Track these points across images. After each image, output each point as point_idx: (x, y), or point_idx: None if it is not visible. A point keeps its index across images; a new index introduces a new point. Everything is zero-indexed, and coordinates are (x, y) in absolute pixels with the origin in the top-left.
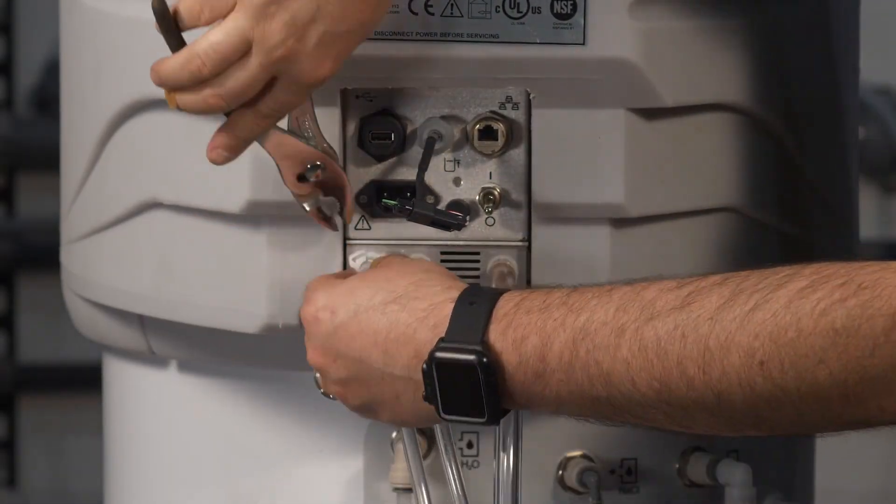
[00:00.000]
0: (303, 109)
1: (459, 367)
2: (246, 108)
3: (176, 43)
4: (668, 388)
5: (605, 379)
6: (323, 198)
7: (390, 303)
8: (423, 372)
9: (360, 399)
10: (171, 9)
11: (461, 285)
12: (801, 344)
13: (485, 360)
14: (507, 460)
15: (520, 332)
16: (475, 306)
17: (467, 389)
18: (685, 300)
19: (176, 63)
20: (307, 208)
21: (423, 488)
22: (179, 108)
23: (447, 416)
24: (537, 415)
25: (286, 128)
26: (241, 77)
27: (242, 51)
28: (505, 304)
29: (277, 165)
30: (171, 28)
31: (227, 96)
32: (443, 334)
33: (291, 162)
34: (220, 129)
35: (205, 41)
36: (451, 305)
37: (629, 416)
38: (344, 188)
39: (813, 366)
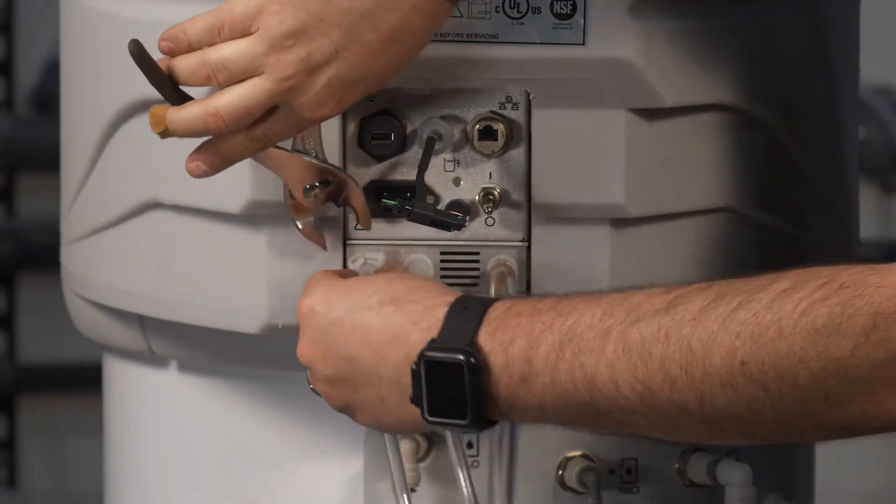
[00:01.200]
0: (311, 131)
1: (447, 367)
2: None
3: (171, 90)
4: (652, 390)
5: (590, 382)
6: (317, 218)
7: (386, 304)
8: (412, 372)
9: (343, 399)
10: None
11: (458, 293)
12: (781, 343)
13: (472, 360)
14: (502, 460)
15: (508, 335)
16: (468, 311)
17: (453, 391)
18: (671, 303)
19: (186, 65)
20: (300, 226)
21: (405, 495)
22: (164, 135)
23: (432, 419)
24: None
25: (290, 147)
26: (247, 99)
27: (249, 74)
28: (496, 308)
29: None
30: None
31: (227, 117)
32: (435, 336)
33: (292, 180)
34: (205, 144)
35: (216, 54)
36: (446, 309)
37: (612, 421)
38: (356, 197)
39: (793, 366)
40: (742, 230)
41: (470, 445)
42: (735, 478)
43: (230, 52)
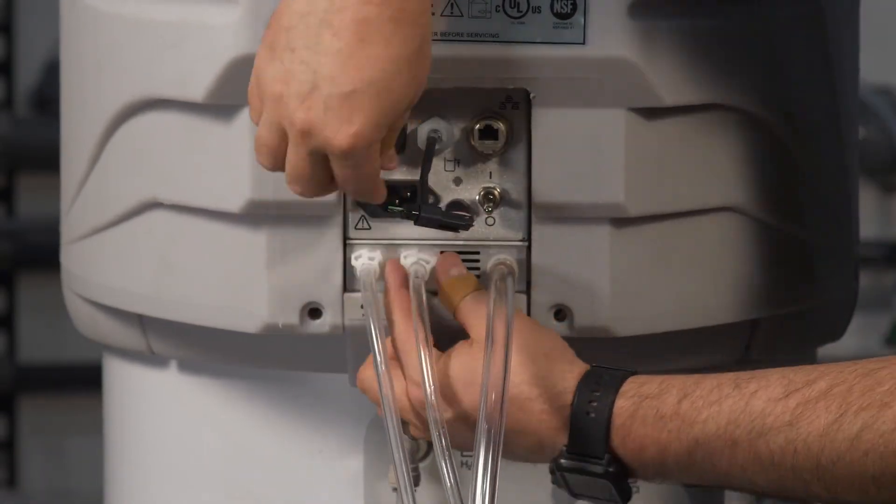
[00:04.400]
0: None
1: (588, 474)
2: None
3: None
4: (786, 487)
5: (724, 478)
6: None
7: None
8: (552, 470)
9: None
10: None
11: (568, 389)
12: None
13: (611, 469)
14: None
15: (637, 443)
16: (593, 417)
17: (596, 486)
18: (793, 415)
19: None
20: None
21: (410, 494)
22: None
23: (578, 493)
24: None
25: None
26: (291, 161)
27: (283, 138)
28: (620, 416)
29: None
30: None
31: (292, 183)
32: (566, 442)
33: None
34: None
35: (255, 138)
36: (569, 412)
37: (750, 493)
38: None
39: None
40: (742, 230)
41: None
42: None
43: (259, 130)
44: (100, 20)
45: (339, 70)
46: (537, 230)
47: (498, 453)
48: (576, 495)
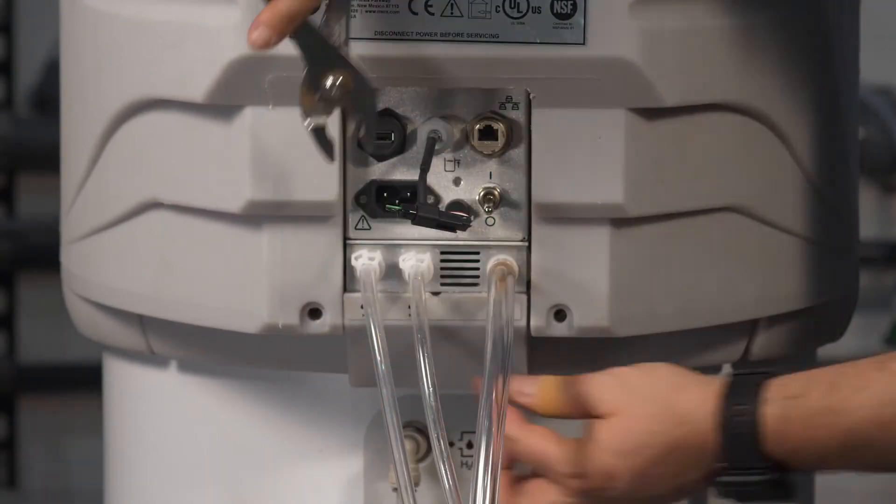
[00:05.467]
0: (339, 14)
1: (751, 486)
2: None
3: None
4: None
5: (881, 460)
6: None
7: (665, 456)
8: (714, 484)
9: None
10: None
11: (709, 401)
12: None
13: (772, 476)
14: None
15: (792, 445)
16: (742, 432)
17: (762, 493)
18: None
19: None
20: (308, 125)
21: (410, 494)
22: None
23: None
24: (535, 414)
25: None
26: None
27: None
28: (771, 422)
29: (304, 70)
30: None
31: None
32: (722, 463)
33: (317, 67)
34: (265, 8)
35: None
36: (715, 432)
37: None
38: (370, 105)
39: None
40: (742, 229)
41: (470, 446)
42: None
43: None
44: (100, 20)
45: None
46: (537, 230)
47: (499, 461)
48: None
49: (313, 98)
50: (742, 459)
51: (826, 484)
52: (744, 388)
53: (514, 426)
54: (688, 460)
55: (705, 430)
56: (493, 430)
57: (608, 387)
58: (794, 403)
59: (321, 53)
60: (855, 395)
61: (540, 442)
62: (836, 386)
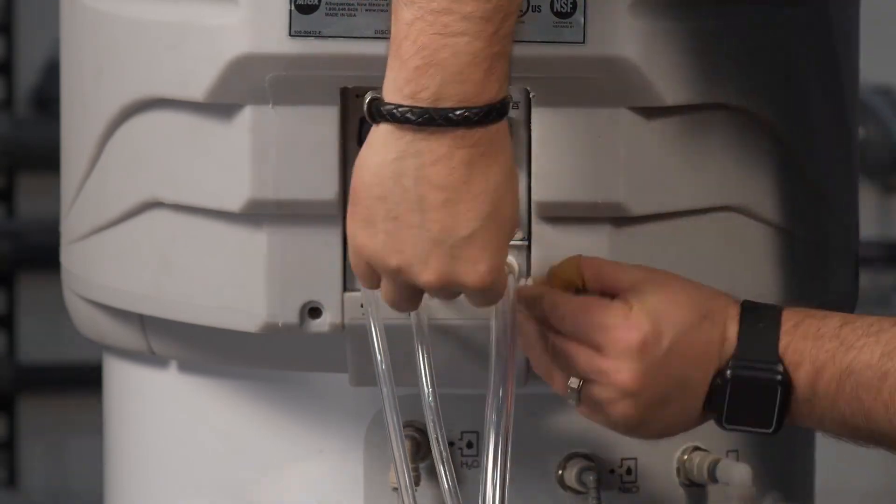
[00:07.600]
0: None
1: (756, 382)
2: None
3: None
4: None
5: (866, 414)
6: None
7: (705, 319)
8: (716, 386)
9: (645, 419)
10: None
11: (737, 301)
12: None
13: (782, 377)
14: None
15: (795, 357)
16: (762, 326)
17: (757, 402)
18: None
19: None
20: None
21: (410, 494)
22: None
23: (730, 427)
24: (535, 414)
25: None
26: (385, 291)
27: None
28: (786, 324)
29: None
30: None
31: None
32: (734, 352)
33: None
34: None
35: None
36: (737, 323)
37: (886, 447)
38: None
39: None
40: (742, 229)
41: (470, 445)
42: (735, 477)
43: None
44: (100, 21)
45: (451, 220)
46: (537, 230)
47: (507, 453)
48: (727, 425)
49: None
50: (757, 350)
51: (826, 484)
52: (765, 307)
53: (555, 293)
54: (701, 348)
55: (724, 319)
56: (502, 424)
57: (632, 268)
58: (809, 321)
59: None
60: (865, 336)
61: (585, 301)
62: (851, 323)
